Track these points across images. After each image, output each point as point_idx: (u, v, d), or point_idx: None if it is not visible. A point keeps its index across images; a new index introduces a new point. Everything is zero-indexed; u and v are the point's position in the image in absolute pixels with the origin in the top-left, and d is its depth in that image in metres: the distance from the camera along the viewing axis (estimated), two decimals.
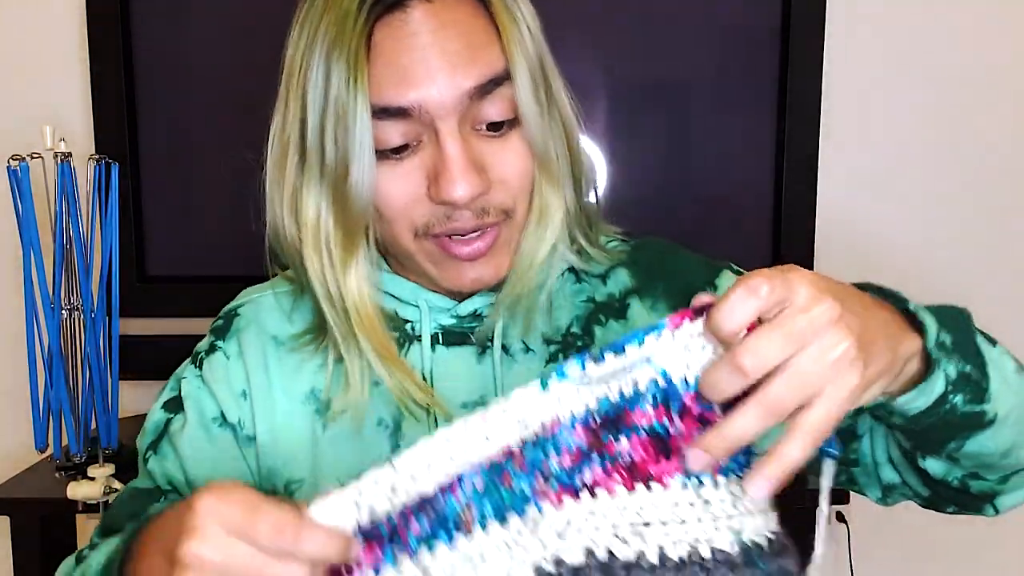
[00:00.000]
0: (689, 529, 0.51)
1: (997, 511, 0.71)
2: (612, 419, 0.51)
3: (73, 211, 1.39)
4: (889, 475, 0.72)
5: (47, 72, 1.64)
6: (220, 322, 0.81)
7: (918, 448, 0.65)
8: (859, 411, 0.67)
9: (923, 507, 0.74)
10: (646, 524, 0.51)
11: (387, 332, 0.74)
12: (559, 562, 0.51)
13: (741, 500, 0.51)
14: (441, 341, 0.76)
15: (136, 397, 1.64)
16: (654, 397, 0.50)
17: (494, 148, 0.69)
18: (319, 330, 0.76)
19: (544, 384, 0.51)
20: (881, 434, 0.70)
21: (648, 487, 0.51)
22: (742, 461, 0.50)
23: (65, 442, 1.42)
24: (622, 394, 0.51)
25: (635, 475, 0.51)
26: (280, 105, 0.73)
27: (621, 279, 0.79)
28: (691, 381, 0.50)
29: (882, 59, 1.63)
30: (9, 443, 1.63)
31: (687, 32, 1.59)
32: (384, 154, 0.68)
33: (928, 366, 0.57)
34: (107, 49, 1.58)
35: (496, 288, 0.75)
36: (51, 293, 1.39)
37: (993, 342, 0.64)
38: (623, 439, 0.51)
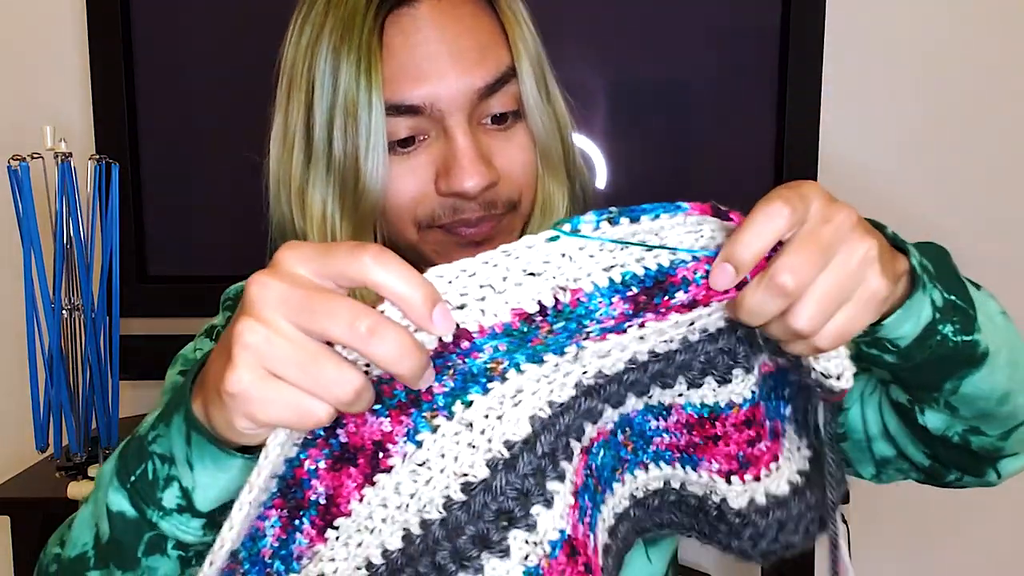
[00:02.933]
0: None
1: (1000, 476, 0.70)
2: (656, 284, 0.51)
3: (73, 211, 1.39)
4: (883, 449, 0.71)
5: (47, 72, 1.64)
6: (230, 302, 0.81)
7: (916, 398, 0.64)
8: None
9: (921, 482, 0.72)
10: (692, 323, 0.53)
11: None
12: (600, 374, 0.53)
13: None
14: None
15: (136, 397, 1.64)
16: (693, 256, 0.51)
17: (499, 142, 0.71)
18: None
19: (555, 237, 0.48)
20: (873, 406, 0.70)
21: (707, 305, 0.52)
22: None
23: (65, 442, 1.42)
24: (658, 266, 0.50)
25: (695, 305, 0.52)
26: (281, 103, 0.73)
27: None
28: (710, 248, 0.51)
29: (882, 59, 1.63)
30: (9, 443, 1.63)
31: (687, 32, 1.59)
32: (392, 147, 0.69)
33: (913, 287, 0.57)
34: (107, 49, 1.58)
35: None
36: (51, 293, 1.39)
37: (976, 286, 0.64)
38: (679, 294, 0.51)
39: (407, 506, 0.49)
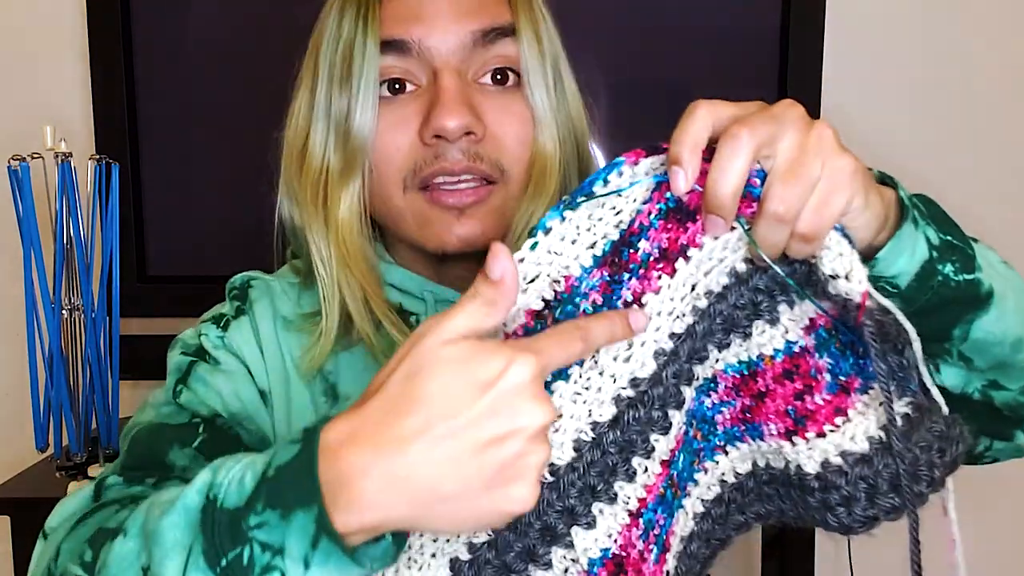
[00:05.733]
0: (725, 259, 0.54)
1: None
2: (620, 240, 0.53)
3: (73, 211, 1.38)
4: None
5: (47, 72, 1.64)
6: (236, 291, 0.81)
7: (929, 353, 0.61)
8: None
9: None
10: (693, 288, 0.54)
11: (375, 275, 0.75)
12: (635, 381, 0.53)
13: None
14: None
15: (136, 397, 1.64)
16: (643, 202, 0.52)
17: (493, 101, 0.72)
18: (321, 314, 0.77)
19: (534, 246, 0.52)
20: None
21: (687, 259, 0.53)
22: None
23: (65, 442, 1.42)
24: (619, 223, 0.53)
25: (670, 258, 0.53)
26: (299, 84, 0.77)
27: None
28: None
29: (882, 60, 1.63)
30: (9, 443, 1.62)
31: (687, 32, 1.59)
32: (384, 96, 0.71)
33: (903, 217, 0.57)
34: (107, 49, 1.58)
35: None
36: (51, 293, 1.39)
37: (974, 240, 0.63)
38: (641, 243, 0.53)
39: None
